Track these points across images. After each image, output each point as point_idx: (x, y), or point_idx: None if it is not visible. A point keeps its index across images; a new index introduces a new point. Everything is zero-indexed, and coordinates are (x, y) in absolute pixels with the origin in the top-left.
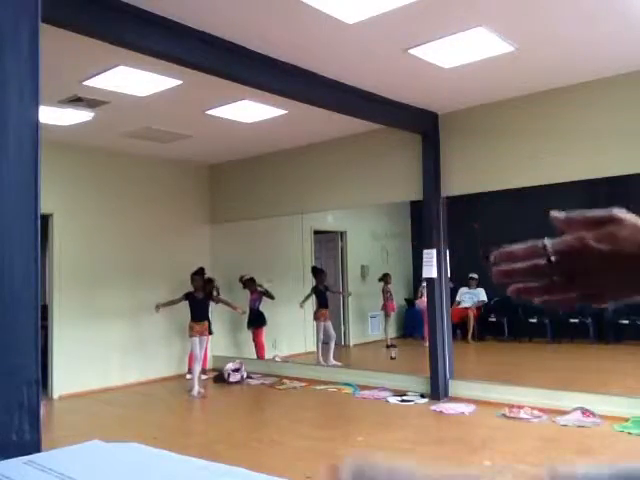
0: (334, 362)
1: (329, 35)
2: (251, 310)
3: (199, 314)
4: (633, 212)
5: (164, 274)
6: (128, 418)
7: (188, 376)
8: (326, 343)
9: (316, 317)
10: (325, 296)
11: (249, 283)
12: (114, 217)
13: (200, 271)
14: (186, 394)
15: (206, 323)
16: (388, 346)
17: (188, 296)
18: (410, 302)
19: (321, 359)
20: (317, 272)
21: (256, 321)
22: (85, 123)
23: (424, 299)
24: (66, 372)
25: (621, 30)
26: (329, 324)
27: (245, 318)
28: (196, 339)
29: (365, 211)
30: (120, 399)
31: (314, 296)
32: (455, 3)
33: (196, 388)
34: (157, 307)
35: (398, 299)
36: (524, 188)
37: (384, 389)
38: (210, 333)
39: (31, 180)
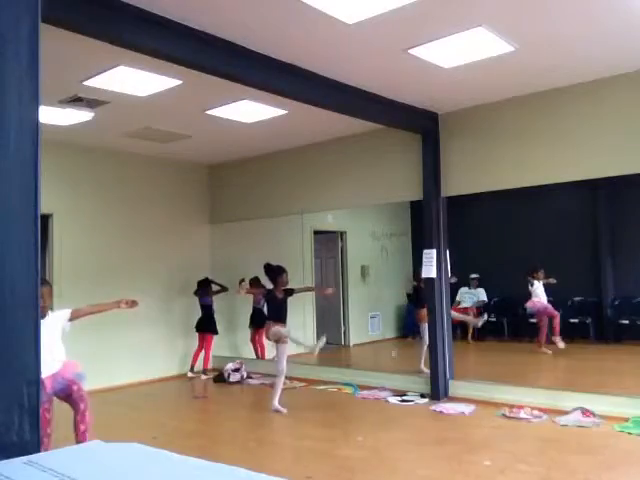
0: (423, 369)
1: (329, 35)
2: (254, 310)
3: (277, 315)
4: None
5: (164, 274)
6: (128, 418)
7: (189, 374)
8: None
9: (419, 319)
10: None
11: (254, 283)
12: (114, 217)
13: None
14: (187, 394)
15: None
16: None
17: (268, 294)
18: (411, 297)
19: (423, 366)
20: (417, 271)
21: (259, 321)
22: (85, 123)
23: (535, 300)
24: None
25: (621, 30)
26: (425, 326)
27: (247, 317)
28: (286, 346)
29: (365, 211)
30: (120, 399)
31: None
32: (455, 3)
33: (276, 404)
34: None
35: (397, 300)
36: (524, 188)
37: (384, 389)
38: (215, 333)
39: (31, 180)
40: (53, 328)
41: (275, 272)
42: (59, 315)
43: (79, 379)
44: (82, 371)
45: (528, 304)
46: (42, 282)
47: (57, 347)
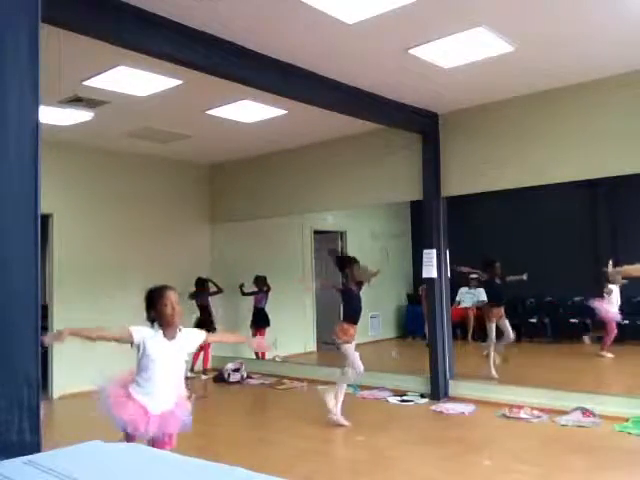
0: (494, 374)
1: (329, 35)
2: (256, 309)
3: (354, 313)
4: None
5: (164, 273)
6: None
7: (189, 374)
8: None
9: (488, 317)
10: (499, 290)
11: (260, 281)
12: (114, 217)
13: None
14: (188, 394)
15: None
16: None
17: (344, 288)
18: (411, 298)
19: (493, 371)
20: (489, 263)
21: (260, 321)
22: (85, 123)
23: (607, 305)
24: (66, 372)
25: (621, 30)
26: (506, 322)
27: (249, 317)
28: (351, 346)
29: (365, 211)
30: None
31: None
32: (455, 3)
33: (338, 412)
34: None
35: (397, 300)
36: (524, 188)
37: (384, 389)
38: (214, 330)
39: (31, 180)
40: (181, 352)
41: (344, 262)
42: (193, 337)
43: (182, 428)
44: (189, 417)
45: (601, 306)
46: (167, 286)
47: (177, 377)
